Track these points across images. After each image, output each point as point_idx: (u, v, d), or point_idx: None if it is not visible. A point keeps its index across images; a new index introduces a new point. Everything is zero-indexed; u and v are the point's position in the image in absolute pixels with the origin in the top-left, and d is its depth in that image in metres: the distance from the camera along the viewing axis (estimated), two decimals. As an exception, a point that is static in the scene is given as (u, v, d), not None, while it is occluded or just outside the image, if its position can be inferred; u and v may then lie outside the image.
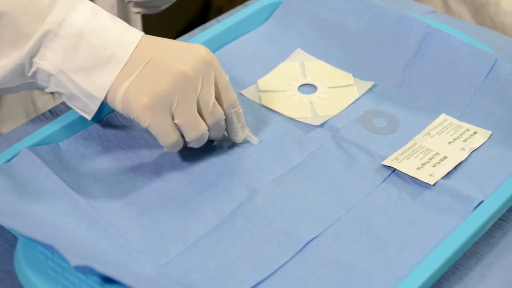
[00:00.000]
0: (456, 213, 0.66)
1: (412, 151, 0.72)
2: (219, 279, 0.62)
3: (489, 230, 0.67)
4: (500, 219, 0.68)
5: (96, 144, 0.72)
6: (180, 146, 0.68)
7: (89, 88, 0.66)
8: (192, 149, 0.72)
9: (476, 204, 0.67)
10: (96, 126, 0.74)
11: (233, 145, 0.73)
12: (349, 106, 0.78)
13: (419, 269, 0.60)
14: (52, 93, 0.94)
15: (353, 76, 0.81)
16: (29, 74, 0.66)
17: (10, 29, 0.65)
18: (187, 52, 0.67)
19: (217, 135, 0.71)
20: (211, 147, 0.73)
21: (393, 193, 0.69)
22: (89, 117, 0.68)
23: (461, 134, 0.74)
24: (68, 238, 0.63)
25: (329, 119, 0.76)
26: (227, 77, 0.69)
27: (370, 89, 0.80)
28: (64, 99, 0.68)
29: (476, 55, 0.78)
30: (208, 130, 0.69)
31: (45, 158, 0.70)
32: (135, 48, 0.66)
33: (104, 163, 0.71)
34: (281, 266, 0.63)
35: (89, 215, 0.65)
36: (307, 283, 0.62)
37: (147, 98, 0.65)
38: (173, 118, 0.66)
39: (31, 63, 0.66)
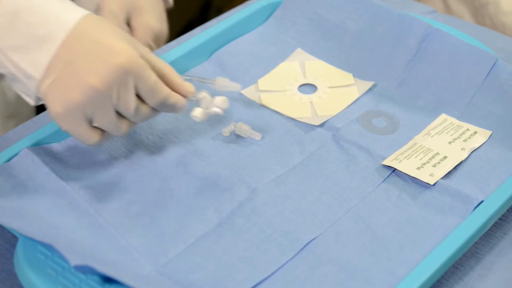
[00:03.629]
0: (456, 213, 0.66)
1: (412, 151, 0.72)
2: (219, 279, 0.62)
3: (489, 230, 0.67)
4: (500, 219, 0.68)
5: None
6: (107, 139, 0.67)
7: (27, 67, 0.64)
8: (192, 148, 0.72)
9: (476, 204, 0.67)
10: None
11: (233, 144, 0.73)
12: (349, 106, 0.78)
13: (419, 269, 0.60)
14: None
15: (353, 76, 0.81)
16: None
17: None
18: (105, 59, 0.63)
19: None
20: (211, 147, 0.73)
21: (393, 193, 0.69)
22: (32, 101, 0.66)
23: (461, 134, 0.74)
24: (68, 238, 0.63)
25: (329, 119, 0.76)
26: (152, 78, 0.65)
27: (370, 89, 0.80)
28: (8, 82, 0.67)
29: (476, 55, 0.78)
30: (134, 123, 0.67)
31: (45, 158, 0.70)
32: (73, 27, 0.63)
33: (103, 163, 0.71)
34: (281, 266, 0.63)
35: (89, 215, 0.65)
36: (307, 283, 0.62)
37: (60, 108, 0.63)
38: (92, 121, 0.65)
39: None
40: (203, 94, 0.70)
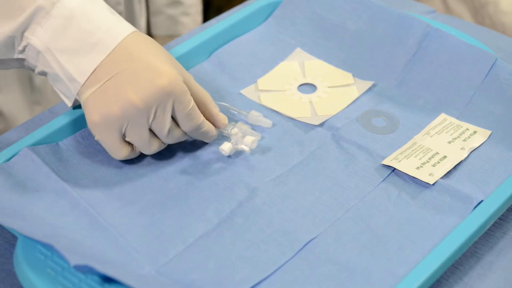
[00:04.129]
0: (456, 213, 0.66)
1: (412, 151, 0.72)
2: (218, 278, 0.62)
3: (488, 229, 0.67)
4: (499, 218, 0.68)
5: (96, 144, 0.72)
6: (135, 156, 0.70)
7: (72, 71, 0.66)
8: (192, 149, 0.72)
9: (475, 204, 0.67)
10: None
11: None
12: (348, 105, 0.78)
13: (419, 269, 0.60)
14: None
15: (353, 75, 0.81)
16: (20, 48, 0.67)
17: (3, 2, 0.66)
18: (149, 78, 0.66)
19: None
20: (210, 147, 0.73)
21: (393, 193, 0.69)
22: (69, 103, 0.69)
23: (460, 134, 0.74)
24: (68, 238, 0.63)
25: (328, 119, 0.76)
26: (191, 104, 0.67)
27: (369, 89, 0.80)
28: (50, 80, 0.69)
29: (475, 55, 0.78)
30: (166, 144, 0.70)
31: (45, 157, 0.69)
32: (122, 40, 0.66)
33: (103, 162, 0.71)
34: (281, 266, 0.63)
35: (88, 215, 0.65)
36: (306, 283, 0.62)
37: (97, 117, 0.66)
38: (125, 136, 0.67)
39: (22, 37, 0.66)
40: (235, 131, 0.72)
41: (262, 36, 0.85)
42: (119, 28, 0.67)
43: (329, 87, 0.80)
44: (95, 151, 0.71)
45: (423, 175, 0.69)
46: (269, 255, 0.63)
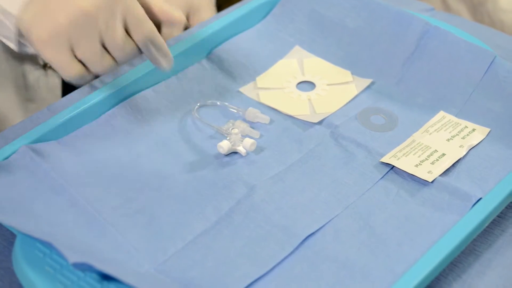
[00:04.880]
0: (455, 210, 0.66)
1: (411, 148, 0.72)
2: (217, 276, 0.62)
3: (487, 227, 0.67)
4: (498, 216, 0.68)
5: (94, 142, 0.72)
6: (87, 78, 0.66)
7: (4, 4, 0.62)
8: (190, 147, 0.72)
9: (474, 201, 0.67)
10: (94, 124, 0.73)
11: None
12: (347, 103, 0.78)
13: (418, 266, 0.60)
14: (44, 67, 0.90)
15: (352, 73, 0.81)
16: None
17: None
18: None
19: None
20: (209, 145, 0.73)
21: (392, 190, 0.69)
22: (13, 45, 0.64)
23: (459, 131, 0.74)
24: (66, 236, 0.63)
25: (327, 116, 0.76)
26: (141, 9, 0.64)
27: (368, 86, 0.80)
28: None
29: (474, 53, 0.78)
30: (117, 62, 0.66)
31: (43, 155, 0.69)
32: None
33: (102, 161, 0.71)
34: (280, 263, 0.63)
35: (87, 213, 0.65)
36: (305, 280, 0.62)
37: (44, 33, 0.61)
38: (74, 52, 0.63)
39: None
40: (236, 131, 0.71)
41: (260, 34, 0.85)
42: None
43: (327, 84, 0.80)
44: (93, 149, 0.71)
45: (422, 173, 0.69)
46: (268, 251, 0.63)
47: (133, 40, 0.65)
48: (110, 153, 0.71)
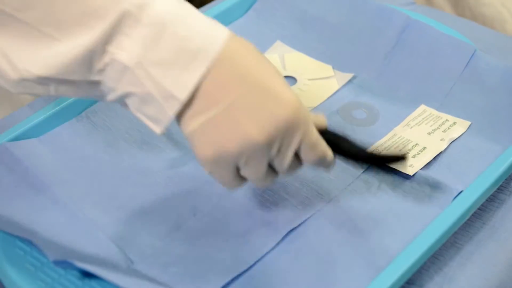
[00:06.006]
0: (436, 204, 0.67)
1: (392, 142, 0.72)
2: (199, 271, 0.61)
3: (468, 220, 0.67)
4: (479, 209, 0.69)
5: (75, 139, 0.72)
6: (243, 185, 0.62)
7: (170, 86, 0.54)
8: (170, 143, 0.72)
9: (455, 194, 0.67)
10: (74, 121, 0.73)
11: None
12: (329, 98, 0.78)
13: (399, 260, 0.60)
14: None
15: (333, 68, 0.81)
16: (100, 66, 0.54)
17: (76, 4, 0.52)
18: (270, 108, 0.55)
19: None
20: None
21: (373, 184, 0.69)
22: (159, 129, 0.57)
23: (440, 125, 0.74)
24: (47, 233, 0.62)
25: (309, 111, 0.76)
26: (315, 133, 0.59)
27: (349, 81, 0.80)
28: (131, 107, 0.57)
29: (454, 46, 0.78)
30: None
31: (24, 153, 0.69)
32: (226, 47, 0.54)
33: (83, 158, 0.70)
34: (262, 258, 0.63)
35: (68, 210, 0.65)
36: (287, 274, 0.62)
37: (210, 152, 0.56)
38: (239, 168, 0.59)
39: (103, 52, 0.53)
40: None
41: (242, 29, 0.85)
42: (219, 32, 0.55)
43: (309, 79, 0.80)
44: (74, 146, 0.71)
45: (403, 167, 0.69)
46: (250, 246, 0.63)
47: (302, 160, 0.61)
48: (90, 149, 0.71)
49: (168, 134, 0.73)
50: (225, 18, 0.85)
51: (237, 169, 0.58)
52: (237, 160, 0.57)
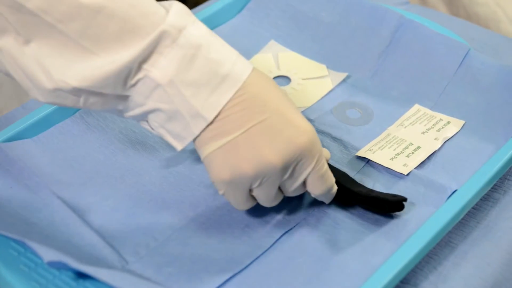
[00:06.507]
0: (430, 203, 0.67)
1: (386, 142, 0.72)
2: (194, 271, 0.61)
3: (462, 219, 0.67)
4: (473, 208, 0.69)
5: (69, 139, 0.71)
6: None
7: (198, 106, 0.57)
8: (165, 143, 0.72)
9: (449, 194, 0.67)
10: (69, 121, 0.73)
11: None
12: (323, 97, 0.78)
13: (394, 259, 0.60)
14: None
15: (327, 67, 0.81)
16: (132, 82, 0.57)
17: (116, 21, 0.55)
18: (288, 135, 0.59)
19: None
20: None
21: (368, 184, 0.69)
22: (180, 146, 0.59)
23: (434, 124, 0.74)
24: (41, 234, 0.62)
25: (303, 111, 0.76)
26: (325, 165, 0.62)
27: (343, 80, 0.80)
28: (156, 121, 0.59)
29: (448, 45, 0.78)
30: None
31: (18, 153, 0.69)
32: (249, 76, 0.59)
33: (77, 158, 0.70)
34: (257, 258, 0.63)
35: (62, 211, 0.65)
36: (282, 274, 0.62)
37: (227, 175, 0.59)
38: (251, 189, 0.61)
39: (139, 69, 0.56)
40: None
41: (236, 28, 0.85)
42: (245, 61, 0.59)
43: (303, 79, 0.80)
44: (68, 146, 0.71)
45: (397, 166, 0.69)
46: (245, 246, 0.63)
47: (308, 190, 0.63)
48: (85, 150, 0.71)
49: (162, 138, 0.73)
50: (219, 18, 0.85)
51: (250, 191, 0.61)
52: (253, 182, 0.60)
